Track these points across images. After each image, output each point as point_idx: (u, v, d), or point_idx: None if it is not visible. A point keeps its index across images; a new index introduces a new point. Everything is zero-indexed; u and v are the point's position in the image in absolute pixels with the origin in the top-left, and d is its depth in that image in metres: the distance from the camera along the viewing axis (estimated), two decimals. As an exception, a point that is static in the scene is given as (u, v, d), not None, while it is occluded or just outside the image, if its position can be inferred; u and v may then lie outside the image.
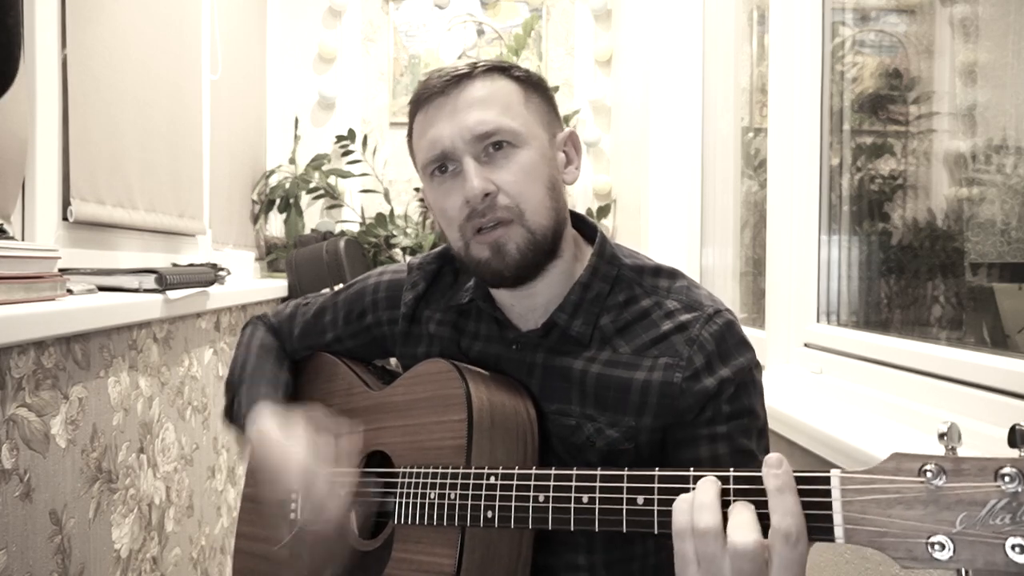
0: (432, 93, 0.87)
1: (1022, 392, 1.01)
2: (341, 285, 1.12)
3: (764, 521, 0.59)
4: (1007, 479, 0.52)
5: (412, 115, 0.91)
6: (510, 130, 0.84)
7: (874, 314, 1.63)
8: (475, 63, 0.87)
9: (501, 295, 0.93)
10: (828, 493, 0.58)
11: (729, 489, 0.62)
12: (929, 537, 0.54)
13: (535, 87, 0.90)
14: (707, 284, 2.10)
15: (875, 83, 1.65)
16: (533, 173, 0.85)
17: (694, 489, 0.63)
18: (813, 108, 1.66)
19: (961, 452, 0.55)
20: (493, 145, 0.84)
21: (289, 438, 0.91)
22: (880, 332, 1.45)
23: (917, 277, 1.50)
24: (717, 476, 0.63)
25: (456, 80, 0.86)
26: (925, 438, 1.10)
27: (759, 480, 0.61)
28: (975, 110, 1.34)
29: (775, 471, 0.59)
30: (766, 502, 0.60)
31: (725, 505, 0.61)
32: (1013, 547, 0.51)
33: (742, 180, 2.25)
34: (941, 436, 0.55)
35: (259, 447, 0.93)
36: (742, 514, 0.60)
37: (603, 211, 3.04)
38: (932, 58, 1.51)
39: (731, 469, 0.63)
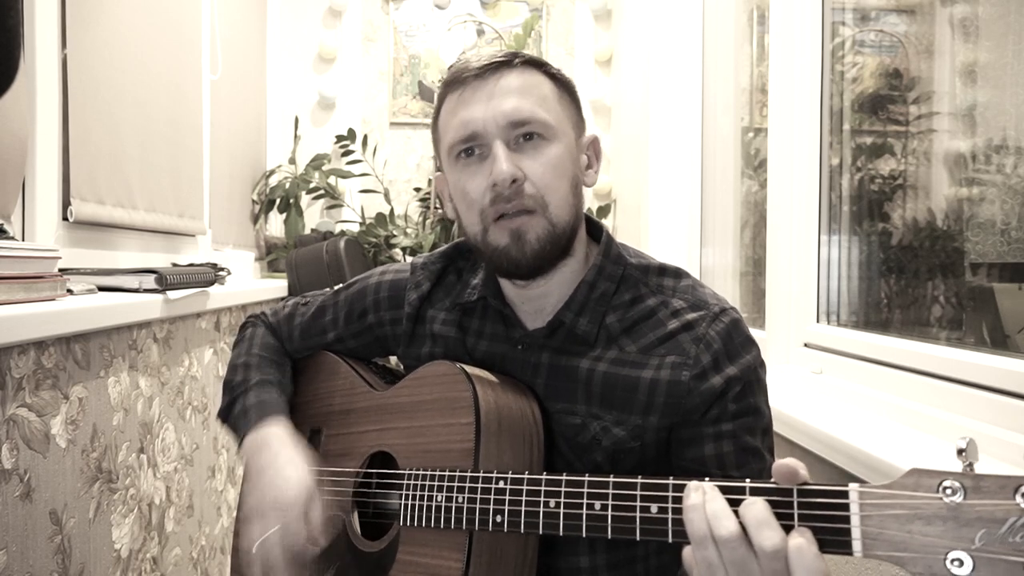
0: (468, 76, 0.86)
1: (1022, 392, 1.01)
2: (341, 285, 1.11)
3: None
4: None
5: (442, 96, 0.90)
6: (543, 122, 0.85)
7: (874, 314, 1.63)
8: (514, 53, 0.88)
9: (511, 293, 0.93)
10: (847, 507, 0.58)
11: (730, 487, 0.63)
12: (948, 553, 0.54)
13: (567, 88, 0.91)
14: (707, 284, 2.10)
15: (875, 83, 1.65)
16: (560, 168, 0.85)
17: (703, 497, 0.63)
18: (813, 108, 1.66)
19: (980, 460, 0.56)
20: (524, 135, 0.84)
21: (292, 463, 0.91)
22: (880, 332, 1.45)
23: (917, 277, 1.50)
24: (719, 485, 0.63)
25: (495, 67, 0.86)
26: (925, 438, 1.10)
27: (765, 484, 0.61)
28: (975, 110, 1.34)
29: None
30: (774, 501, 0.60)
31: (735, 504, 0.61)
32: None
33: (742, 180, 2.25)
34: (960, 452, 0.55)
35: (259, 454, 0.94)
36: (760, 512, 0.60)
37: (603, 211, 3.04)
38: (932, 58, 1.51)
39: (736, 471, 0.63)
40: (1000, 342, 1.26)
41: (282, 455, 0.92)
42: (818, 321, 1.66)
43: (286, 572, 0.86)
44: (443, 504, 0.81)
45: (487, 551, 0.81)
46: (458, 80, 0.87)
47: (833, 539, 0.58)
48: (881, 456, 1.00)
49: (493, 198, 0.83)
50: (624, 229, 2.95)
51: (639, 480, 0.68)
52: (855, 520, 0.58)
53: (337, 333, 1.07)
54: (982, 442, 0.98)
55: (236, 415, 1.01)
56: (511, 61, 0.86)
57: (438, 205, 2.73)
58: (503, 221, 0.84)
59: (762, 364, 0.88)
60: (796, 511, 0.60)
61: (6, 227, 1.10)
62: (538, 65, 0.88)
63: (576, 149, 0.90)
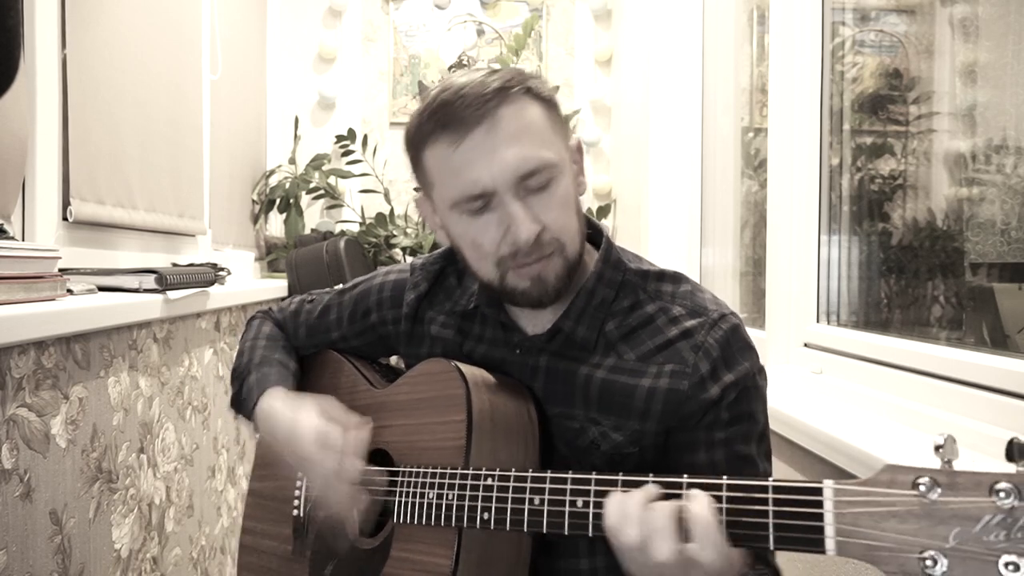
0: (457, 120, 0.80)
1: (1022, 392, 1.01)
2: (342, 285, 1.12)
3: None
4: (1002, 494, 0.51)
5: (427, 135, 0.83)
6: (549, 164, 0.82)
7: (874, 314, 1.63)
8: (501, 86, 0.81)
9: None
10: (820, 504, 0.57)
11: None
12: (922, 552, 0.53)
13: (553, 105, 0.87)
14: (707, 284, 2.09)
15: (875, 83, 1.65)
16: (568, 202, 0.85)
17: (687, 495, 0.65)
18: (813, 108, 1.66)
19: (959, 457, 0.55)
20: (533, 181, 0.82)
21: (298, 410, 0.92)
22: (880, 332, 1.45)
23: (917, 277, 1.51)
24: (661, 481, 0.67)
25: (488, 108, 0.80)
26: (925, 438, 1.10)
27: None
28: (975, 110, 1.34)
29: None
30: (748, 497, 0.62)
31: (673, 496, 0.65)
32: (1006, 564, 0.50)
33: (742, 180, 2.25)
34: (937, 448, 0.54)
35: (268, 421, 0.95)
36: (659, 520, 0.64)
37: (603, 211, 3.04)
38: (932, 58, 1.51)
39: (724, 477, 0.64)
40: (1000, 342, 1.26)
41: (283, 418, 0.93)
42: (818, 321, 1.66)
43: (348, 498, 0.88)
44: (434, 501, 0.82)
45: (477, 549, 0.81)
46: (448, 122, 0.81)
47: (806, 537, 0.58)
48: (881, 456, 1.00)
49: (513, 252, 0.82)
50: (624, 229, 2.95)
51: (620, 477, 0.69)
52: (828, 518, 0.57)
53: (341, 332, 1.08)
54: (982, 442, 0.98)
55: (243, 400, 1.02)
56: (504, 95, 0.81)
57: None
58: (522, 269, 0.83)
59: (760, 370, 0.87)
60: (771, 507, 0.60)
61: (6, 227, 1.10)
62: (525, 89, 0.83)
63: (570, 167, 0.87)
